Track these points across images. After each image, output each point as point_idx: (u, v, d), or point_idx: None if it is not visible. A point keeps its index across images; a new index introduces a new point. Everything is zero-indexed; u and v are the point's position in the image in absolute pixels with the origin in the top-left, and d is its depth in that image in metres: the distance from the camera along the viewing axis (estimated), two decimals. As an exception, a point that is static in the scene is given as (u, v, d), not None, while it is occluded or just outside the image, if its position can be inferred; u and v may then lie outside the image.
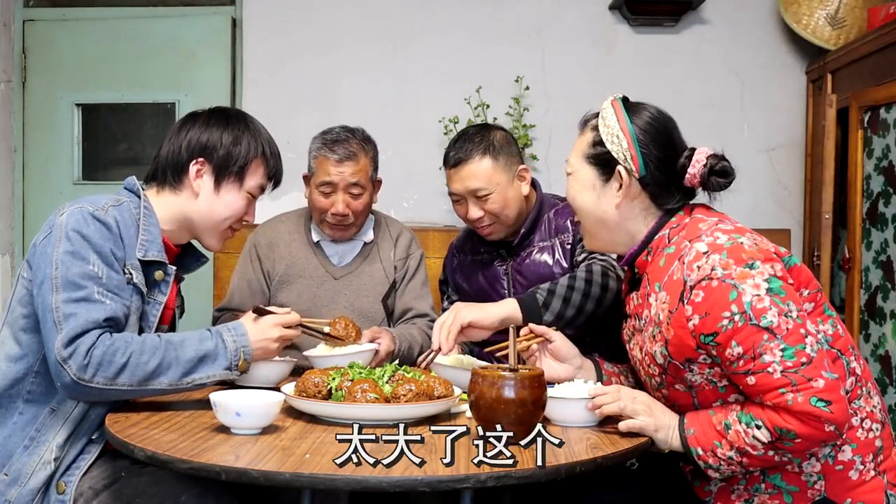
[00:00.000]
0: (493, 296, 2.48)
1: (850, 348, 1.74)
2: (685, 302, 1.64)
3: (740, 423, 1.62)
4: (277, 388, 1.86)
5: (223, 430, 1.65)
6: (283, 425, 1.70)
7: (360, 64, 3.86)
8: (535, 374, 1.61)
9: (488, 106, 3.69)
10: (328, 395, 1.74)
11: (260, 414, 1.64)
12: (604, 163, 1.81)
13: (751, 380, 1.59)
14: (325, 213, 2.57)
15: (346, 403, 1.69)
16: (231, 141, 1.97)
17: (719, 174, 1.77)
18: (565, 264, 2.42)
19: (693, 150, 1.80)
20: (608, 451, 1.57)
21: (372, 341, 2.31)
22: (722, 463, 1.64)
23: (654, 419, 1.68)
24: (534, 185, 2.55)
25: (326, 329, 2.16)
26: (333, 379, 1.77)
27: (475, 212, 2.42)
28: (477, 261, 2.58)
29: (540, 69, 3.82)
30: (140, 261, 1.87)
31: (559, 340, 1.97)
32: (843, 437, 1.66)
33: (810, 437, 1.56)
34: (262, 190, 2.04)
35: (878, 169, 3.03)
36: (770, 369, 1.57)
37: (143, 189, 1.98)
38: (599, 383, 1.86)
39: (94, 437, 1.84)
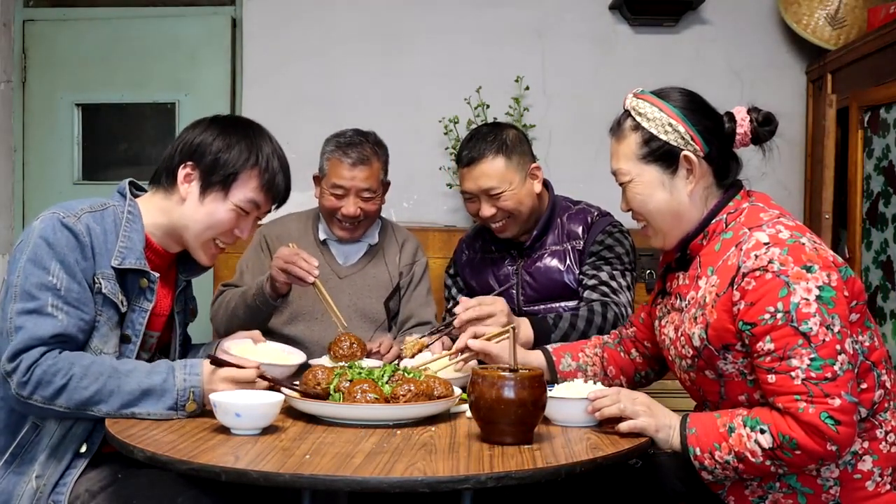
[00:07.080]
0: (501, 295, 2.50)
1: (884, 361, 1.72)
2: (734, 287, 1.64)
3: (745, 426, 1.61)
4: None
5: (223, 430, 1.65)
6: (283, 426, 1.70)
7: (361, 64, 3.85)
8: (535, 374, 1.61)
9: (488, 106, 3.69)
10: (328, 396, 1.74)
11: (260, 414, 1.64)
12: (664, 155, 1.78)
13: (771, 378, 1.59)
14: (335, 212, 2.61)
15: (346, 404, 1.69)
16: (223, 146, 1.86)
17: (765, 123, 1.80)
18: (576, 270, 2.43)
19: (729, 113, 1.81)
20: (608, 451, 1.57)
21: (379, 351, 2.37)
22: (717, 466, 1.63)
23: (654, 420, 1.68)
24: (546, 185, 2.56)
25: (296, 383, 1.83)
26: (333, 379, 1.77)
27: (488, 209, 2.44)
28: (487, 258, 2.59)
29: (540, 69, 3.81)
30: (116, 269, 1.79)
31: (496, 351, 1.98)
32: (858, 453, 1.66)
33: (810, 452, 1.56)
34: (256, 206, 1.90)
35: (878, 169, 3.03)
36: (793, 374, 1.56)
37: (143, 190, 1.94)
38: (599, 383, 1.86)
39: (81, 451, 1.78)
